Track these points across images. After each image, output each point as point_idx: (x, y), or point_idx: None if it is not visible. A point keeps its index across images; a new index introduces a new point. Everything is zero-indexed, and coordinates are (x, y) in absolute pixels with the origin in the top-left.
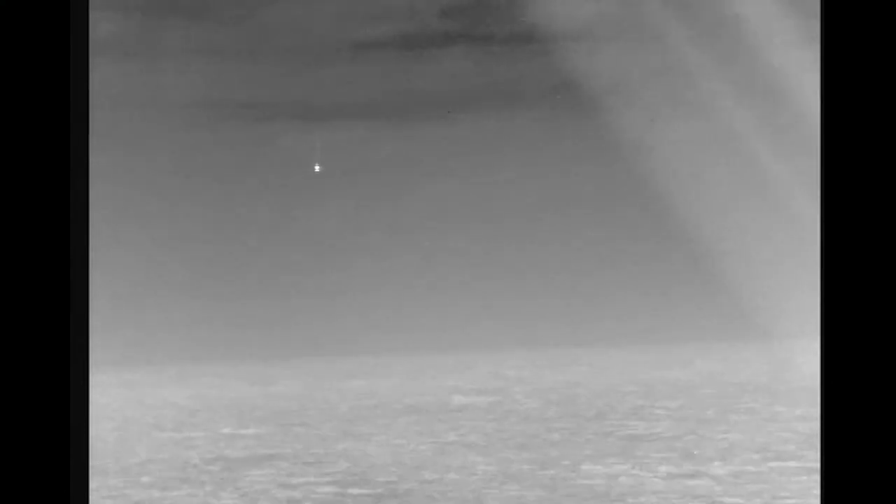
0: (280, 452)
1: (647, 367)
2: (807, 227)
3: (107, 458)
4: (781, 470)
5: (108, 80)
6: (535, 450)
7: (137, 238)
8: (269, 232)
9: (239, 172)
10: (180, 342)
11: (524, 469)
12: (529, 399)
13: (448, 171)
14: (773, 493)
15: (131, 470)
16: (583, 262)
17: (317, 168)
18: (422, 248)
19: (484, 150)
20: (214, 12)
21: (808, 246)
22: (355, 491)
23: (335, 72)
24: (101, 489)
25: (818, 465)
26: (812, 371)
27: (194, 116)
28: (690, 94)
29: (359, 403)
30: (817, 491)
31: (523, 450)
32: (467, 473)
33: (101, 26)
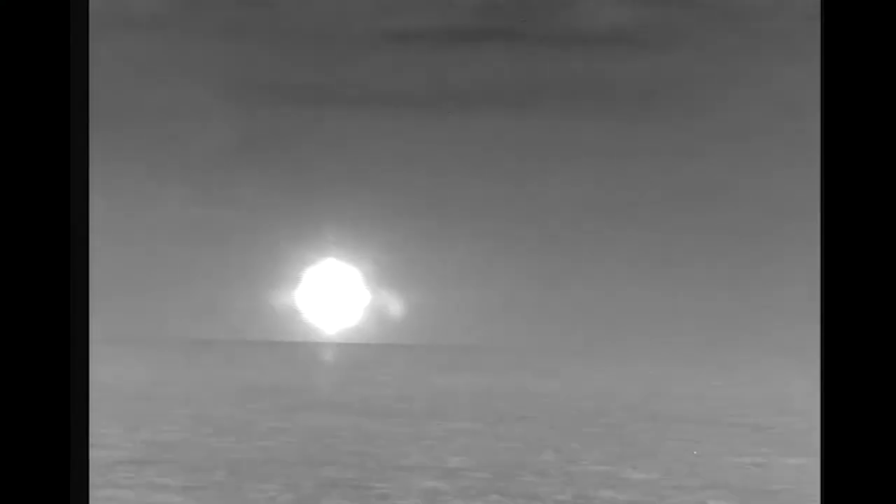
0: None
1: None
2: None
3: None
4: None
5: (144, 56)
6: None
7: (164, 213)
8: (294, 213)
9: (268, 153)
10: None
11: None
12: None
13: (472, 163)
14: None
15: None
16: (602, 263)
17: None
18: (449, 238)
19: (507, 146)
20: None
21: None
22: None
23: (371, 60)
24: None
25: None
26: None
27: (231, 95)
28: (724, 101)
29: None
30: None
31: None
32: None
33: (142, 3)
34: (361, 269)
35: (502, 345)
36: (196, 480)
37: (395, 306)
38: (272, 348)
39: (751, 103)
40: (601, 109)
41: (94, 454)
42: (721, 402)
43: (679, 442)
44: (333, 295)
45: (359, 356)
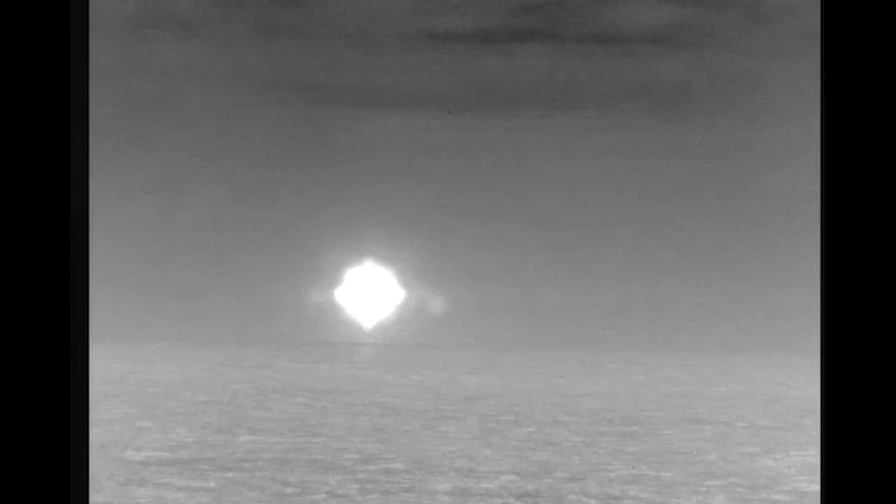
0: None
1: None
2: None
3: None
4: None
5: (176, 55)
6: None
7: (188, 213)
8: (320, 215)
9: (295, 154)
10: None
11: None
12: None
13: (510, 165)
14: None
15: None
16: (642, 264)
17: None
18: (485, 240)
19: (547, 148)
20: None
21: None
22: None
23: (408, 60)
24: None
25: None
26: None
27: (260, 95)
28: (763, 102)
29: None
30: None
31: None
32: None
33: (177, 4)
34: (399, 268)
35: (540, 343)
36: (230, 480)
37: (434, 305)
38: (310, 348)
39: (787, 103)
40: (639, 109)
41: (129, 455)
42: (753, 401)
43: (709, 443)
44: (372, 294)
45: (395, 356)
